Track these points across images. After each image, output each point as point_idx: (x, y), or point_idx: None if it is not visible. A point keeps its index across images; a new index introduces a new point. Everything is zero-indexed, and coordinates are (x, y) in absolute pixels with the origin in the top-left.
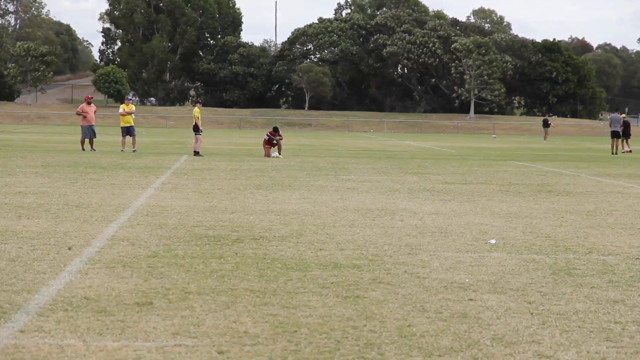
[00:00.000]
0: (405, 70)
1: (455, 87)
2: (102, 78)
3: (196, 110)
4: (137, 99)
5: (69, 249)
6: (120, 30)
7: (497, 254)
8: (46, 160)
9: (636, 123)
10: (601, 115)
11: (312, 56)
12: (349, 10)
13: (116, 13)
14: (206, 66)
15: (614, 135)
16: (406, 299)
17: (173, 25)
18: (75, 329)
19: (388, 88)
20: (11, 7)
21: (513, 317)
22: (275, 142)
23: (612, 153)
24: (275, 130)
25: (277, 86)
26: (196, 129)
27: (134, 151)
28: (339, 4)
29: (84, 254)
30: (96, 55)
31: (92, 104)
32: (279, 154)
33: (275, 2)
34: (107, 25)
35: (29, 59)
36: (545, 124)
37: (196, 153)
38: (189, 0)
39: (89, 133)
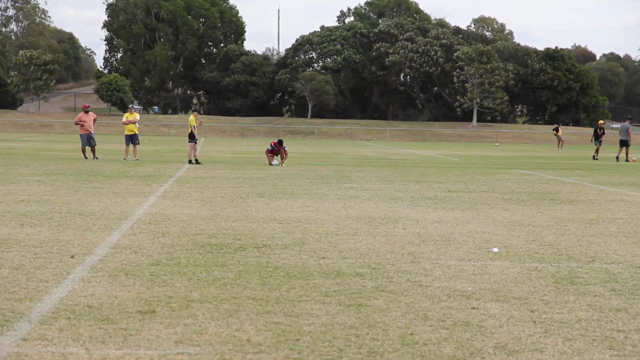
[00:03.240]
0: (408, 79)
1: (457, 96)
2: (105, 86)
3: (192, 118)
4: (140, 107)
5: (72, 257)
6: (121, 40)
7: (499, 262)
8: (49, 169)
9: (639, 132)
10: (604, 123)
11: (315, 64)
12: (351, 18)
13: (114, 25)
14: (209, 75)
15: (622, 144)
16: (409, 307)
17: (175, 33)
18: (77, 337)
19: (390, 96)
20: (11, 12)
21: (516, 325)
22: (277, 151)
23: (617, 160)
24: (280, 143)
25: (279, 94)
26: (192, 137)
27: (136, 160)
28: (341, 11)
29: (86, 262)
30: (100, 63)
31: (89, 113)
32: (282, 162)
33: (278, 10)
34: (108, 34)
35: (32, 68)
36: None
37: (190, 161)
38: (190, 9)
39: (87, 141)
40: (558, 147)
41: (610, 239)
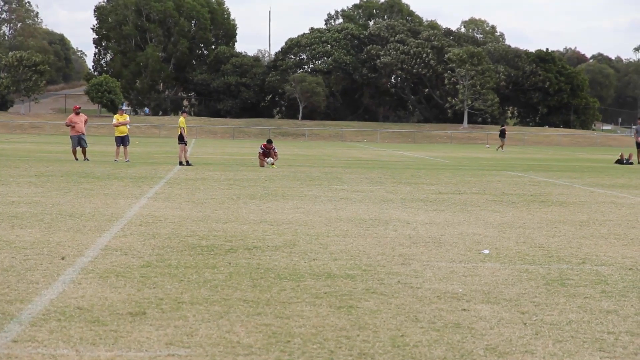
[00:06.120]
0: (399, 80)
1: (448, 98)
2: (95, 88)
3: (182, 120)
4: (129, 108)
5: (62, 258)
6: (111, 43)
7: (490, 264)
8: (39, 170)
9: (629, 133)
10: (594, 125)
11: (306, 66)
12: (340, 21)
13: (103, 29)
14: (199, 76)
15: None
16: (399, 309)
17: (166, 35)
18: (68, 339)
19: (381, 98)
20: (5, 15)
21: (506, 327)
22: (269, 152)
23: (638, 163)
24: (269, 142)
25: (270, 96)
26: (181, 138)
27: (126, 161)
28: (329, 14)
29: (77, 264)
30: (90, 65)
31: (80, 114)
32: (273, 163)
33: (269, 12)
34: (97, 37)
35: (21, 69)
36: (502, 134)
37: (181, 163)
38: (182, 10)
39: (78, 142)
40: (498, 149)
41: (600, 240)
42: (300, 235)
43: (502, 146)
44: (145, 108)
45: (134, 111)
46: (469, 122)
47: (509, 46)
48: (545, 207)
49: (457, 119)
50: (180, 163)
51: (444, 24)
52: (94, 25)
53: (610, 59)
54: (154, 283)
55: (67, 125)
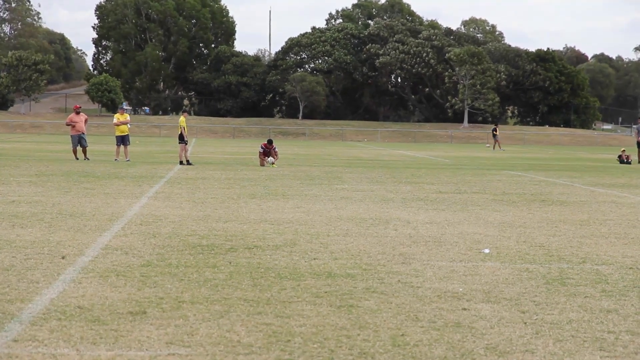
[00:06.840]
0: (399, 80)
1: (449, 97)
2: (95, 87)
3: (182, 119)
4: (129, 108)
5: (63, 258)
6: (111, 42)
7: (490, 263)
8: (40, 169)
9: (629, 133)
10: (594, 125)
11: (306, 65)
12: (340, 20)
13: (104, 28)
14: (200, 75)
15: None
16: (400, 308)
17: (165, 34)
18: (68, 338)
19: (382, 97)
20: (5, 15)
21: (506, 326)
22: (269, 152)
23: (638, 162)
24: (270, 142)
25: (270, 95)
26: (181, 138)
27: (127, 160)
28: (330, 14)
29: (77, 263)
30: (90, 64)
31: (80, 114)
32: (273, 163)
33: (269, 11)
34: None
35: (21, 68)
36: (493, 133)
37: (182, 162)
38: (182, 9)
39: (79, 142)
40: (494, 148)
41: (601, 240)
42: (301, 235)
43: (497, 144)
44: (145, 107)
45: (134, 111)
46: (469, 122)
47: (509, 46)
48: (546, 206)
49: (457, 118)
50: (181, 162)
51: (444, 23)
52: (94, 25)
53: (610, 59)
54: (154, 282)
55: (68, 125)
